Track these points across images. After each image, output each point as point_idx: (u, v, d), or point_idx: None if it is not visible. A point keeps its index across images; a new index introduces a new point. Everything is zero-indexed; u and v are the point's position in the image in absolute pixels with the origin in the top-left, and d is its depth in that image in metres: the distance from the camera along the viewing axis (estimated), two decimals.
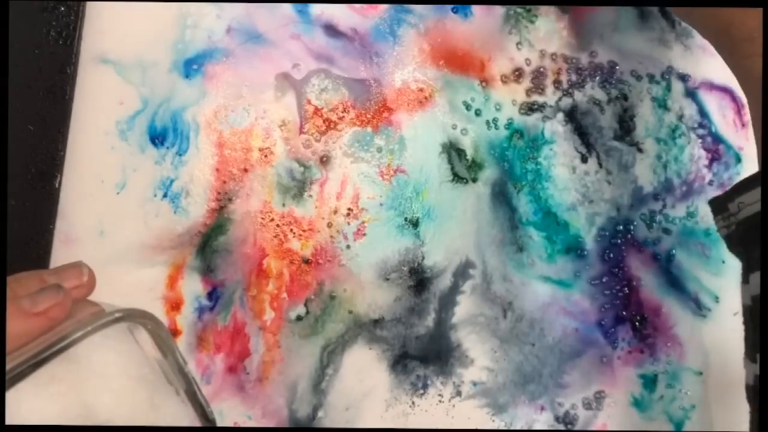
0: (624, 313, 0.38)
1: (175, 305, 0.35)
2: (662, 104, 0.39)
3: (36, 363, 0.26)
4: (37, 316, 0.27)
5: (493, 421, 0.38)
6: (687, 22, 0.34)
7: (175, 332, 0.35)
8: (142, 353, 0.31)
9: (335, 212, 0.37)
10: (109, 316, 0.30)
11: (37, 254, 0.34)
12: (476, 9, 0.38)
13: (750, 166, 0.39)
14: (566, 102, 0.38)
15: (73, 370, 0.29)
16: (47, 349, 0.26)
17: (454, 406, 0.37)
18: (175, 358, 0.31)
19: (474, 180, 0.37)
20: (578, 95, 0.38)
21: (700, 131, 0.39)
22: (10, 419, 0.25)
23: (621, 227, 0.38)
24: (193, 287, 0.36)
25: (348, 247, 0.37)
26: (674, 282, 0.38)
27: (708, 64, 0.39)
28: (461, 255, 0.37)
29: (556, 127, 0.38)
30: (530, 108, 0.38)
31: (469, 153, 0.37)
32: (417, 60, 0.37)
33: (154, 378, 0.31)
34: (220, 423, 0.36)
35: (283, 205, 0.36)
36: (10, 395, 0.25)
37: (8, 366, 0.25)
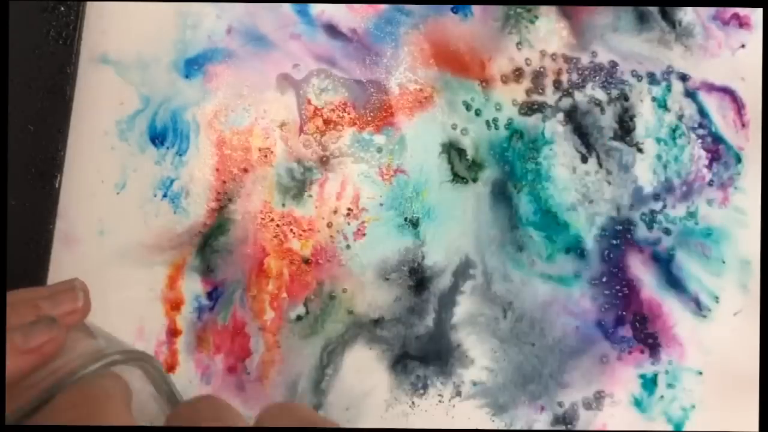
0: (624, 313, 0.38)
1: (175, 305, 0.35)
2: (662, 104, 0.39)
3: (33, 409, 0.25)
4: (30, 352, 0.25)
5: (493, 421, 0.38)
6: None
7: (175, 332, 0.35)
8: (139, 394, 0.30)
9: (335, 212, 0.37)
10: (108, 358, 0.28)
11: (37, 254, 0.34)
12: (476, 9, 0.38)
13: (750, 166, 0.39)
14: (566, 102, 0.38)
15: None
16: (44, 394, 0.25)
17: (454, 406, 0.37)
18: (171, 400, 0.29)
19: (474, 180, 0.37)
20: (578, 95, 0.38)
21: (700, 131, 0.39)
22: None
23: (621, 227, 0.38)
24: (193, 287, 0.36)
25: (348, 247, 0.37)
26: (674, 282, 0.38)
27: (708, 65, 0.39)
28: (461, 255, 0.37)
29: (556, 127, 0.38)
30: (530, 108, 0.38)
31: (470, 153, 0.37)
32: (417, 60, 0.37)
33: (150, 420, 0.30)
34: None
35: (283, 205, 0.36)
36: None
37: (7, 413, 0.24)
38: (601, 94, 0.38)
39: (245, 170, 0.36)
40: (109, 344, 0.29)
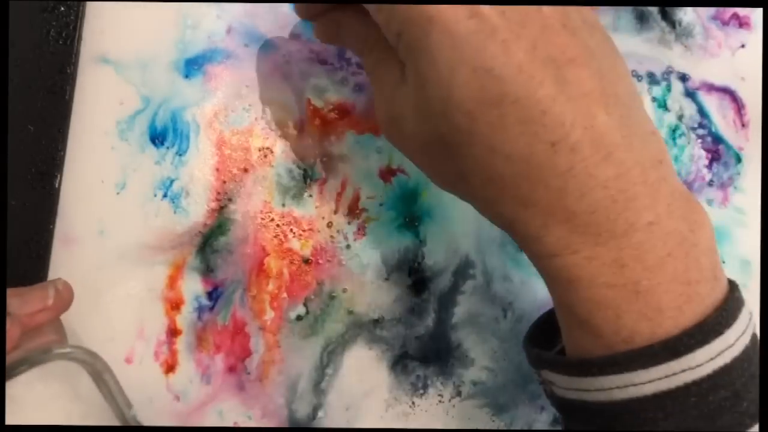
0: None
1: (175, 305, 0.35)
2: (662, 104, 0.39)
3: None
4: None
5: (493, 421, 0.38)
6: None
7: (175, 332, 0.35)
8: (89, 394, 0.31)
9: (335, 212, 0.37)
10: (47, 353, 0.29)
11: (37, 254, 0.34)
12: None
13: (750, 166, 0.39)
14: None
15: (12, 410, 0.29)
16: None
17: (454, 406, 0.37)
18: (117, 404, 0.31)
19: None
20: None
21: (700, 131, 0.39)
22: None
23: None
24: (193, 287, 0.36)
25: (348, 246, 0.37)
26: None
27: (708, 65, 0.39)
28: (461, 255, 0.37)
29: None
30: None
31: None
32: None
33: (102, 419, 0.31)
34: (220, 423, 0.36)
35: (283, 205, 0.36)
36: None
37: None
38: None
39: (245, 170, 0.36)
40: (65, 345, 0.31)
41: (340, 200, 0.37)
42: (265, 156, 0.36)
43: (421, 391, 0.37)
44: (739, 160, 0.39)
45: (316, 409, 0.36)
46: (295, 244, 0.36)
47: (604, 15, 0.38)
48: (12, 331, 0.28)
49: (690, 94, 0.39)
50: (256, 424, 0.36)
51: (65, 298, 0.32)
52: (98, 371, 0.31)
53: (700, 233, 0.23)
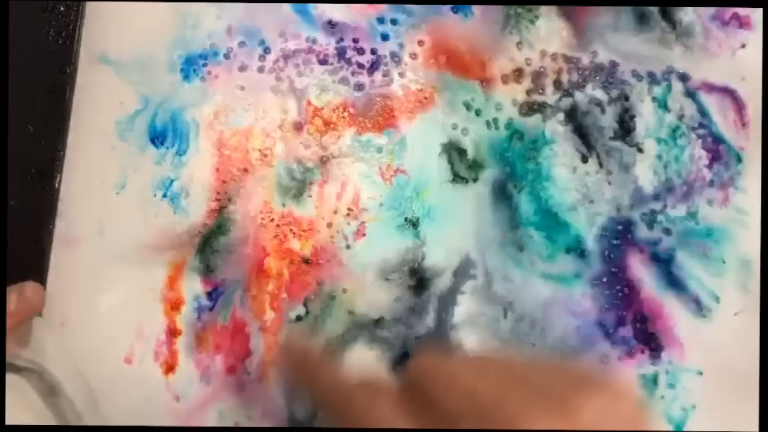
0: (624, 313, 0.38)
1: (175, 305, 0.35)
2: (663, 104, 0.39)
3: None
4: None
5: None
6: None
7: (174, 332, 0.35)
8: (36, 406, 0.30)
9: (335, 212, 0.37)
10: None
11: (37, 254, 0.34)
12: (476, 9, 0.38)
13: (750, 166, 0.39)
14: (567, 102, 0.38)
15: None
16: None
17: None
18: (64, 417, 0.30)
19: (474, 180, 0.37)
20: (579, 95, 0.38)
21: (701, 131, 0.39)
22: None
23: (621, 227, 0.38)
24: (193, 287, 0.36)
25: (348, 247, 0.37)
26: (674, 282, 0.38)
27: (708, 65, 0.39)
28: (461, 255, 0.37)
29: (556, 127, 0.38)
30: (530, 108, 0.38)
31: (470, 153, 0.37)
32: (417, 60, 0.37)
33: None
34: (220, 423, 0.36)
35: (283, 205, 0.36)
36: None
37: None
38: (601, 94, 0.38)
39: (245, 170, 0.36)
40: (19, 356, 0.30)
41: (340, 200, 0.37)
42: (265, 156, 0.36)
43: None
44: (739, 160, 0.39)
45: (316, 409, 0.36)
46: (295, 244, 0.36)
47: (605, 15, 0.38)
48: None
49: (690, 94, 0.39)
50: (256, 425, 0.36)
51: (33, 303, 0.31)
52: (48, 388, 0.30)
53: None
